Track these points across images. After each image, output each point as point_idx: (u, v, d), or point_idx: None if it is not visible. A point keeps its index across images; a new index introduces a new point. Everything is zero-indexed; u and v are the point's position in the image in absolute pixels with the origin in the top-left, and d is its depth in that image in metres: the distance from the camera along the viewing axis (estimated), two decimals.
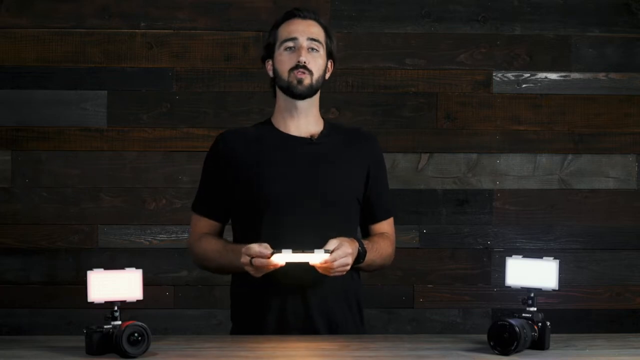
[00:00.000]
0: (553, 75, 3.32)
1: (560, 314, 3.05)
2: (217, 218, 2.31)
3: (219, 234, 2.33)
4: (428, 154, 3.30)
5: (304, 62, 2.21)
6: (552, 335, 1.96)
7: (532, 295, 1.96)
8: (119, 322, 1.85)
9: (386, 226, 2.37)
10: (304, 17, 2.27)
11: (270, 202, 2.19)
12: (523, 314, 1.93)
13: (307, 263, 2.06)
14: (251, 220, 2.22)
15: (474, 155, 3.31)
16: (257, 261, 2.05)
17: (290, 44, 2.24)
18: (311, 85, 2.23)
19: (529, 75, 3.32)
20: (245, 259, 2.07)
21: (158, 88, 3.26)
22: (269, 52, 2.29)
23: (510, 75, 3.31)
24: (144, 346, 1.84)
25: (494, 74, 3.31)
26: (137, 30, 3.25)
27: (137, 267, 1.90)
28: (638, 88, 3.33)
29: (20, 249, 3.23)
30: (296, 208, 2.19)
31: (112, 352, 1.84)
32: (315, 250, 2.02)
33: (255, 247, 2.05)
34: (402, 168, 3.29)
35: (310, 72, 2.22)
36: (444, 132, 3.30)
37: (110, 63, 3.25)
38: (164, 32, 3.26)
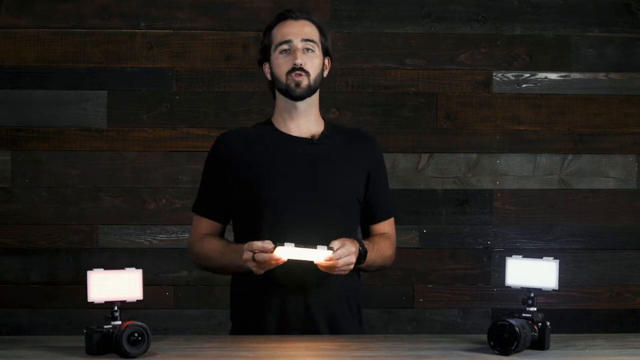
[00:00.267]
0: (553, 75, 3.32)
1: (560, 314, 3.05)
2: (218, 219, 2.31)
3: (220, 235, 2.33)
4: (428, 154, 3.30)
5: (300, 64, 2.21)
6: (552, 335, 1.96)
7: (532, 295, 1.96)
8: (119, 322, 1.85)
9: (387, 226, 2.37)
10: (297, 18, 2.27)
11: (271, 203, 2.19)
12: (523, 314, 1.93)
13: (311, 262, 2.06)
14: (252, 221, 2.22)
15: (474, 155, 3.31)
16: (260, 256, 2.04)
17: (285, 46, 2.24)
18: (309, 86, 2.23)
19: (529, 75, 3.32)
20: (247, 255, 2.07)
21: (158, 88, 3.26)
22: (265, 55, 2.30)
23: (510, 75, 3.31)
24: (144, 346, 1.84)
25: (494, 74, 3.31)
26: (137, 30, 3.25)
27: (137, 267, 1.90)
28: (638, 88, 3.33)
29: (20, 249, 3.23)
30: (297, 208, 2.19)
31: (112, 352, 1.84)
32: (318, 247, 2.02)
33: (258, 243, 2.05)
34: (402, 168, 3.29)
35: (307, 73, 2.22)
36: (444, 132, 3.30)
37: (110, 63, 3.25)
38: (164, 32, 3.26)
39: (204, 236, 2.30)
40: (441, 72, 3.30)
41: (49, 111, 3.23)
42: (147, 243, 3.26)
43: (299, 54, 2.22)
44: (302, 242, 2.02)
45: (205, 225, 2.32)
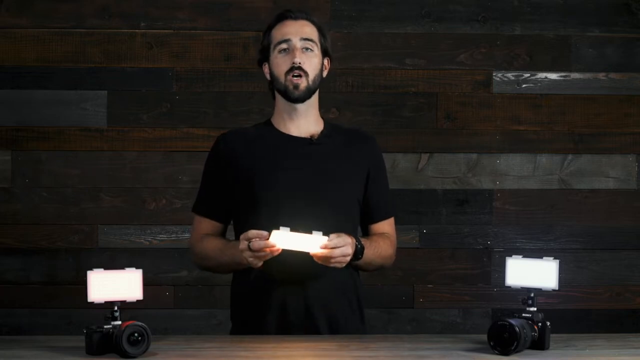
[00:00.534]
0: (553, 75, 3.32)
1: (560, 314, 3.05)
2: (219, 218, 2.32)
3: (221, 235, 2.33)
4: (428, 154, 3.30)
5: (299, 63, 2.22)
6: (552, 335, 1.96)
7: (532, 295, 1.96)
8: (119, 322, 1.85)
9: (387, 226, 2.37)
10: (296, 18, 2.27)
11: (270, 203, 2.19)
12: (523, 314, 1.93)
13: (307, 254, 2.05)
14: (251, 221, 2.21)
15: (474, 155, 3.31)
16: (255, 243, 2.04)
17: (284, 45, 2.24)
18: (308, 87, 2.23)
19: (529, 75, 3.32)
20: (243, 245, 2.07)
21: (158, 88, 3.26)
22: (265, 55, 2.30)
23: (510, 75, 3.31)
24: (144, 346, 1.84)
25: (494, 74, 3.31)
26: (137, 30, 3.25)
27: (137, 267, 1.90)
28: (638, 88, 3.33)
29: (20, 249, 3.23)
30: (296, 208, 2.18)
31: (112, 352, 1.84)
32: (314, 232, 2.02)
33: (253, 230, 2.05)
34: (402, 168, 3.29)
35: (306, 73, 2.23)
36: (444, 132, 3.30)
37: (110, 63, 3.25)
38: (164, 32, 3.26)
39: (204, 236, 2.30)
40: (441, 72, 3.30)
41: (49, 111, 3.23)
42: (147, 243, 3.26)
43: (297, 53, 2.23)
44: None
45: (205, 225, 2.32)
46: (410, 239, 3.28)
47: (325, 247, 2.04)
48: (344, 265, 2.12)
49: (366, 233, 2.37)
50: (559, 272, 1.93)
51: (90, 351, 1.86)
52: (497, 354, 1.87)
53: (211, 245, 2.27)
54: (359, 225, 2.36)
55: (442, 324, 3.30)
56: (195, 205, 2.36)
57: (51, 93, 3.23)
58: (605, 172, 3.33)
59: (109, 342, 1.84)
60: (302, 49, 2.24)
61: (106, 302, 1.86)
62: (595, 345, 2.02)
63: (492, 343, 1.88)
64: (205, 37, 3.26)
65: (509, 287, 1.98)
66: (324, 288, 2.20)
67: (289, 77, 2.22)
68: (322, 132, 2.30)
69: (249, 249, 2.06)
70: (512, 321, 1.86)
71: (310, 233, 2.02)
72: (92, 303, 1.85)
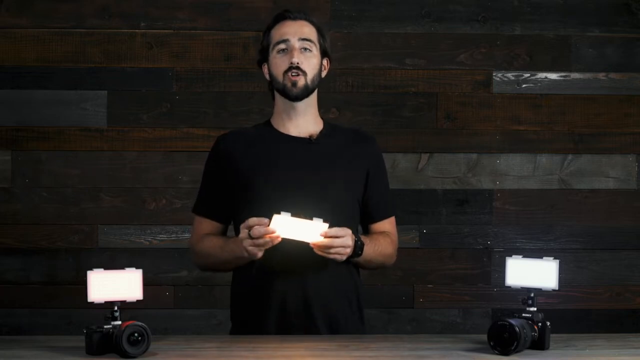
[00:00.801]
0: (553, 75, 3.32)
1: (560, 314, 3.05)
2: (219, 219, 2.32)
3: (222, 235, 2.33)
4: (428, 154, 3.30)
5: (297, 63, 2.22)
6: (552, 335, 1.96)
7: (532, 295, 1.96)
8: (119, 322, 1.85)
9: (387, 225, 2.37)
10: (295, 18, 2.28)
11: (270, 203, 2.19)
12: (523, 314, 1.93)
13: (308, 250, 2.06)
14: None
15: (474, 155, 3.31)
16: (256, 229, 2.04)
17: (283, 46, 2.25)
18: (306, 85, 2.24)
19: (529, 75, 3.32)
20: (243, 233, 2.07)
21: (158, 88, 3.26)
22: (264, 55, 2.30)
23: (510, 75, 3.31)
24: (144, 346, 1.84)
25: (494, 74, 3.31)
26: (137, 30, 3.25)
27: (137, 267, 1.90)
28: (638, 88, 3.33)
29: (20, 249, 3.23)
30: (295, 208, 2.18)
31: (112, 352, 1.84)
32: (314, 219, 2.02)
33: (253, 218, 2.06)
34: (402, 168, 3.29)
35: (304, 73, 2.23)
36: (444, 132, 3.30)
37: (110, 63, 3.25)
38: (164, 32, 3.26)
39: (204, 235, 2.30)
40: (441, 72, 3.30)
41: (49, 111, 3.23)
42: (147, 243, 3.26)
43: (295, 54, 2.23)
44: (299, 246, 2.03)
45: (205, 225, 2.32)
46: (410, 239, 3.28)
47: (325, 235, 2.04)
48: (343, 257, 2.11)
49: (367, 233, 2.37)
50: (559, 272, 1.93)
51: (90, 351, 1.86)
52: (497, 354, 1.87)
53: (211, 244, 2.27)
54: (360, 226, 2.36)
55: (442, 324, 3.30)
56: (195, 206, 2.36)
57: (51, 93, 3.23)
58: (605, 172, 3.33)
59: (109, 342, 1.84)
60: (300, 49, 2.24)
61: (106, 302, 1.86)
62: (595, 345, 2.02)
63: (492, 343, 1.88)
64: (205, 37, 3.26)
65: (509, 287, 1.98)
66: (324, 288, 2.20)
67: (288, 74, 2.22)
68: (321, 132, 2.30)
69: (249, 237, 2.06)
70: (512, 321, 1.86)
71: (311, 219, 2.03)
72: (92, 303, 1.85)
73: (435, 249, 3.31)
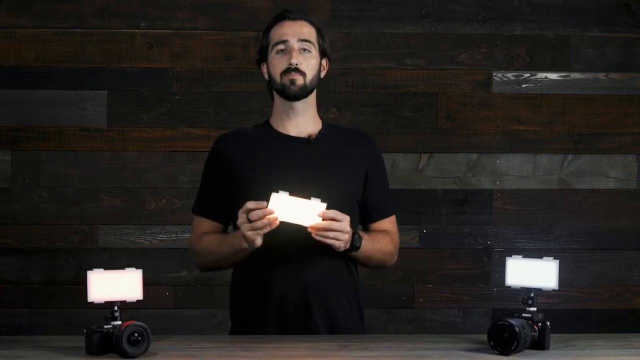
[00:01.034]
0: (553, 75, 3.32)
1: (560, 314, 3.05)
2: (218, 219, 2.31)
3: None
4: (428, 154, 3.30)
5: (296, 64, 2.22)
6: (552, 335, 1.96)
7: (532, 295, 1.96)
8: (119, 322, 1.85)
9: (387, 224, 2.37)
10: (294, 19, 2.28)
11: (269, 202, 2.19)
12: (523, 314, 1.93)
13: (308, 252, 2.07)
14: None
15: (474, 155, 3.31)
16: (255, 213, 2.04)
17: (282, 46, 2.25)
18: (305, 85, 2.23)
19: (529, 75, 3.32)
20: (242, 219, 2.07)
21: (158, 88, 3.26)
22: (263, 55, 2.30)
23: (510, 75, 3.31)
24: (144, 346, 1.84)
25: (494, 74, 3.31)
26: (137, 30, 3.25)
27: (137, 267, 1.90)
28: (638, 88, 3.33)
29: (20, 249, 3.23)
30: None
31: (112, 352, 1.84)
32: (312, 198, 2.03)
33: (252, 201, 2.06)
34: (402, 168, 3.29)
35: (303, 74, 2.23)
36: (444, 132, 3.30)
37: (110, 63, 3.25)
38: (164, 32, 3.26)
39: (203, 234, 2.30)
40: (441, 72, 3.30)
41: (49, 111, 3.23)
42: (147, 243, 3.26)
43: (294, 54, 2.23)
44: (298, 252, 2.06)
45: (205, 225, 2.32)
46: (410, 239, 3.28)
47: (323, 216, 2.04)
48: (341, 245, 2.10)
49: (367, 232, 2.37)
50: (559, 272, 1.93)
51: (90, 351, 1.86)
52: (497, 354, 1.87)
53: (210, 240, 2.27)
54: (360, 226, 2.35)
55: (442, 324, 3.30)
56: (195, 206, 2.36)
57: (51, 93, 3.23)
58: (605, 172, 3.33)
59: (109, 342, 1.84)
60: (299, 49, 2.24)
61: (106, 302, 1.86)
62: (595, 345, 2.02)
63: (492, 343, 1.88)
64: (205, 37, 3.26)
65: (509, 287, 1.98)
66: (323, 287, 2.20)
67: (286, 75, 2.22)
68: (320, 132, 2.30)
69: (248, 220, 2.05)
70: (512, 321, 1.86)
71: (309, 199, 2.03)
72: (92, 303, 1.85)
73: (435, 249, 3.31)
